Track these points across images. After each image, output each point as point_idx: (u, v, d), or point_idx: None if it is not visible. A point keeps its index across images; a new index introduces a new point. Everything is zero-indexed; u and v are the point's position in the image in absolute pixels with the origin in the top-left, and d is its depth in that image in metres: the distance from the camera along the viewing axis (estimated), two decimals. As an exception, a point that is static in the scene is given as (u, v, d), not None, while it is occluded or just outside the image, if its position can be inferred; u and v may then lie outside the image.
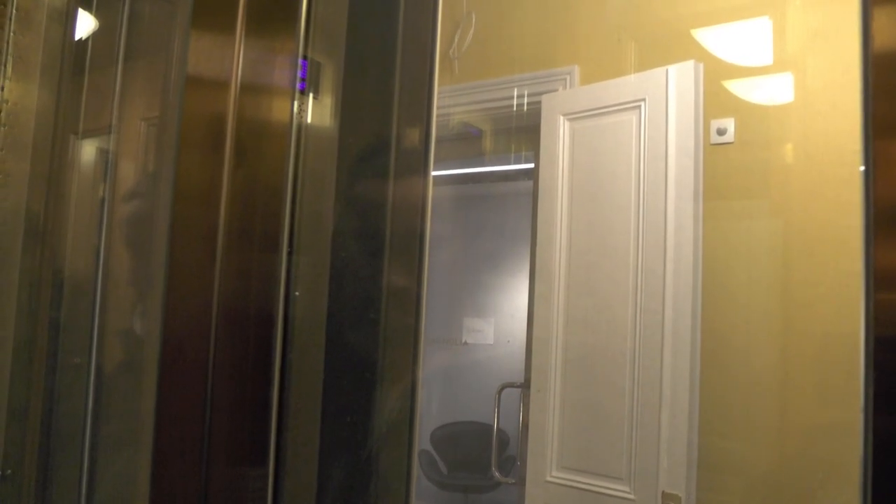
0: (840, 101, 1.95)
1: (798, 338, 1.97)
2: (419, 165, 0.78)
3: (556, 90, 2.46)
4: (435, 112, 0.79)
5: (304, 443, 0.62)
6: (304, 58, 0.71)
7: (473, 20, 2.70)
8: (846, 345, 1.88)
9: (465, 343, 5.39)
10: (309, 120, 0.66)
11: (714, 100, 2.10)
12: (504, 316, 5.34)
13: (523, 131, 2.64)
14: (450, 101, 2.75)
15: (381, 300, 0.73)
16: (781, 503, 1.97)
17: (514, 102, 2.59)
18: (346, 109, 0.72)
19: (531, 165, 2.57)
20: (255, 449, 0.56)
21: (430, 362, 5.44)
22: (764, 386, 2.02)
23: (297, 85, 0.70)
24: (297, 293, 0.59)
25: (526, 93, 2.55)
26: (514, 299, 5.19)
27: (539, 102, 2.41)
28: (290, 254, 0.59)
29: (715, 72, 2.11)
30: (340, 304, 0.68)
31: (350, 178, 0.73)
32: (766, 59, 2.08)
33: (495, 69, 2.65)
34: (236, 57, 0.60)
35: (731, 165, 2.10)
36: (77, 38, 1.05)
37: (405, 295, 0.75)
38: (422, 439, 5.11)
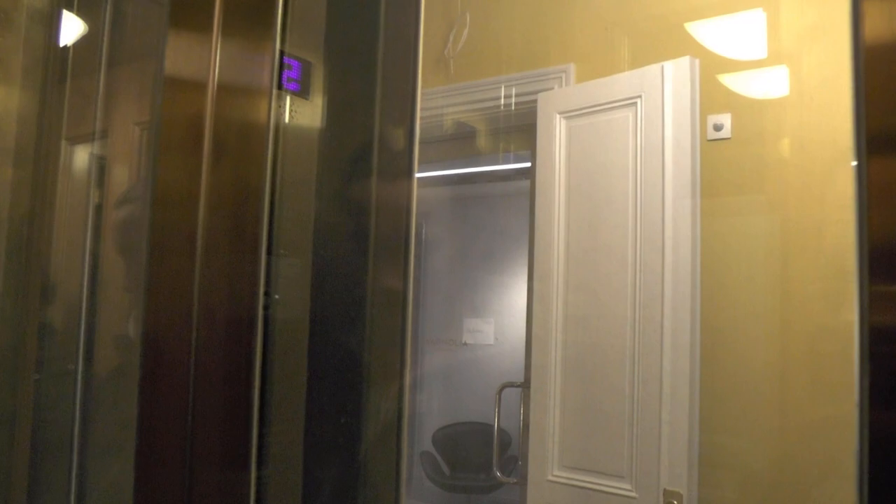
0: (835, 93, 1.94)
1: (796, 333, 1.97)
2: (404, 165, 0.77)
3: (551, 88, 2.46)
4: (419, 111, 0.78)
5: (289, 446, 0.61)
6: (293, 57, 0.70)
7: (468, 20, 2.69)
8: (845, 340, 1.87)
9: (465, 343, 5.39)
10: (289, 120, 0.66)
11: (710, 95, 2.09)
12: (504, 316, 5.34)
13: (520, 130, 2.64)
14: (446, 101, 2.74)
15: (366, 301, 0.72)
16: (782, 498, 1.96)
17: (511, 101, 2.58)
18: (329, 109, 0.71)
19: (528, 164, 2.56)
20: (238, 453, 0.55)
21: (431, 363, 5.44)
22: (763, 381, 2.01)
23: (287, 85, 0.69)
24: (276, 296, 0.58)
25: (522, 91, 2.55)
26: (513, 299, 5.19)
27: (535, 101, 2.40)
28: (270, 255, 0.58)
29: (711, 66, 2.10)
30: (325, 306, 0.67)
31: (333, 179, 0.72)
32: (761, 52, 2.08)
33: (491, 68, 2.64)
34: (213, 56, 0.59)
35: (728, 161, 2.09)
36: (60, 40, 1.04)
37: (392, 296, 0.74)
38: (423, 440, 5.11)
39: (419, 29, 0.78)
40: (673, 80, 2.01)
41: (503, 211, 5.02)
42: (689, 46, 2.16)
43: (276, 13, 0.61)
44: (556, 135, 2.31)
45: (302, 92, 0.72)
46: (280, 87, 0.68)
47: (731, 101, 2.11)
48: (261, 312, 0.57)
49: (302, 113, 0.69)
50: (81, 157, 1.13)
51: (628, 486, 2.01)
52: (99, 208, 1.07)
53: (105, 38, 0.98)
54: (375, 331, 0.73)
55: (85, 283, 0.97)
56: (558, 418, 2.21)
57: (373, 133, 0.75)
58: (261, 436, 0.55)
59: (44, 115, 0.99)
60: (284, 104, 0.66)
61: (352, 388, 0.70)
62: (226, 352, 0.58)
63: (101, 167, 1.13)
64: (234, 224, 0.59)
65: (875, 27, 0.53)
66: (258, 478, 0.54)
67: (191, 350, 0.56)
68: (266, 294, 0.58)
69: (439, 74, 2.74)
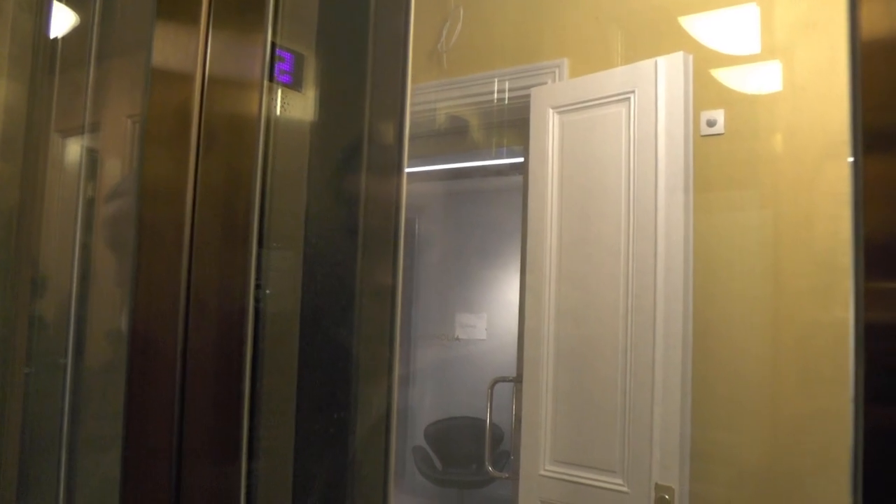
0: (828, 88, 1.94)
1: (788, 326, 1.97)
2: (394, 159, 0.77)
3: (545, 83, 2.45)
4: (409, 105, 0.77)
5: (280, 439, 0.60)
6: (286, 49, 0.70)
7: (461, 14, 2.68)
8: (836, 334, 1.88)
9: (458, 338, 5.39)
10: (280, 112, 0.65)
11: (704, 90, 2.09)
12: (496, 311, 5.35)
13: (513, 125, 2.63)
14: (439, 96, 2.73)
15: (356, 295, 0.72)
16: (774, 492, 1.97)
17: (505, 96, 2.57)
18: (320, 102, 0.71)
19: (522, 159, 2.56)
20: (229, 446, 0.55)
21: (423, 358, 5.44)
22: (755, 376, 2.02)
23: (280, 77, 0.68)
24: (268, 290, 0.58)
25: (515, 86, 2.54)
26: (505, 294, 5.19)
27: (528, 96, 2.40)
28: (261, 248, 0.58)
29: (704, 61, 2.10)
30: (316, 300, 0.67)
31: (324, 172, 0.71)
32: (755, 47, 2.08)
33: (484, 63, 2.64)
34: (203, 48, 0.59)
35: (721, 157, 2.10)
36: (51, 29, 1.02)
37: (381, 290, 0.74)
38: (416, 435, 5.11)
39: (409, 22, 0.77)
40: (666, 75, 2.01)
41: (496, 206, 5.02)
42: (683, 41, 2.16)
43: (268, 3, 0.60)
44: (550, 130, 2.30)
45: (294, 84, 0.71)
46: (272, 79, 0.67)
47: (725, 97, 2.11)
48: (252, 306, 0.57)
49: (294, 105, 0.69)
50: (73, 149, 1.12)
51: (620, 481, 2.01)
52: (90, 201, 1.06)
53: (95, 28, 0.97)
54: (365, 325, 0.73)
55: (75, 277, 0.96)
56: (550, 413, 2.21)
57: (363, 127, 0.75)
58: (251, 429, 0.55)
59: (33, 107, 0.98)
60: (276, 96, 0.65)
61: (342, 382, 0.70)
62: (217, 345, 0.57)
63: (93, 160, 1.12)
64: (224, 217, 0.59)
65: (872, 23, 0.52)
66: (249, 471, 0.54)
67: (182, 344, 0.55)
68: (257, 287, 0.57)
69: (432, 69, 2.74)
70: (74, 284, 0.96)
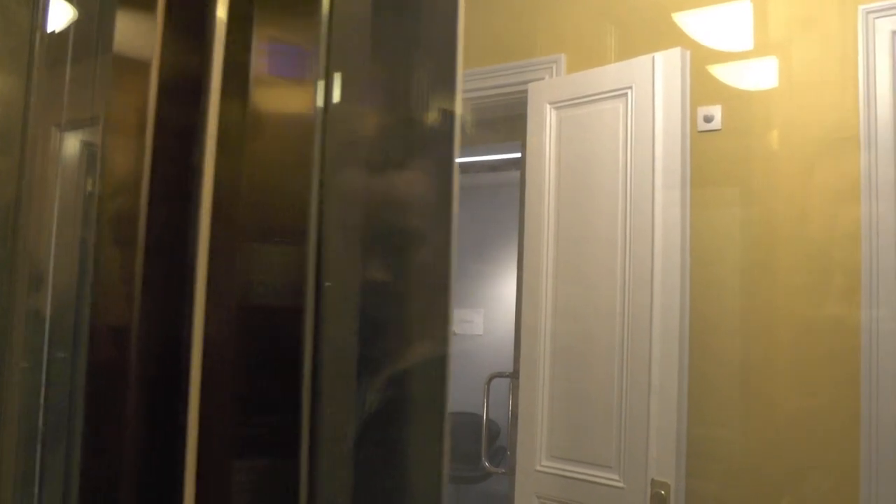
0: (824, 84, 1.95)
1: (784, 323, 1.98)
2: (445, 153, 0.76)
3: (542, 79, 2.45)
4: (461, 96, 0.77)
5: (340, 432, 0.60)
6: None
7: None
8: (833, 331, 1.88)
9: (455, 334, 5.39)
10: (331, 104, 0.64)
11: (701, 87, 2.09)
12: (493, 306, 5.35)
13: (510, 121, 2.63)
14: (436, 91, 2.73)
15: (409, 291, 0.72)
16: (769, 488, 1.98)
17: (501, 91, 2.57)
18: (366, 95, 0.70)
19: (519, 155, 2.56)
20: (285, 444, 0.54)
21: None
22: (751, 371, 2.03)
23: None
24: (328, 283, 0.57)
25: (513, 81, 2.54)
26: (502, 289, 5.19)
27: (525, 91, 2.40)
28: (320, 245, 0.58)
29: (702, 58, 2.10)
30: (371, 295, 0.66)
31: (372, 168, 0.70)
32: (751, 43, 2.08)
33: (481, 58, 2.64)
34: (223, 42, 0.58)
35: (718, 153, 2.10)
36: (48, 22, 1.02)
37: (433, 285, 0.74)
38: (412, 431, 5.11)
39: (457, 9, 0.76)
40: (663, 71, 2.01)
41: (493, 201, 5.02)
42: (680, 38, 2.16)
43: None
44: (547, 125, 2.30)
45: (329, 75, 0.70)
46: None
47: (722, 93, 2.12)
48: (311, 303, 0.56)
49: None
50: (71, 143, 1.12)
51: (616, 477, 2.02)
52: (89, 196, 1.06)
53: (97, 21, 0.96)
54: (418, 319, 0.73)
55: (73, 272, 0.95)
56: (547, 408, 2.22)
57: (412, 120, 0.74)
58: (312, 427, 0.55)
59: (30, 100, 0.98)
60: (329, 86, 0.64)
61: (399, 377, 0.70)
62: (277, 340, 0.57)
63: (91, 154, 1.11)
64: (275, 216, 0.58)
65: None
66: (310, 468, 0.53)
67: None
68: (316, 284, 0.57)
69: (429, 64, 2.73)
70: (73, 280, 0.95)
